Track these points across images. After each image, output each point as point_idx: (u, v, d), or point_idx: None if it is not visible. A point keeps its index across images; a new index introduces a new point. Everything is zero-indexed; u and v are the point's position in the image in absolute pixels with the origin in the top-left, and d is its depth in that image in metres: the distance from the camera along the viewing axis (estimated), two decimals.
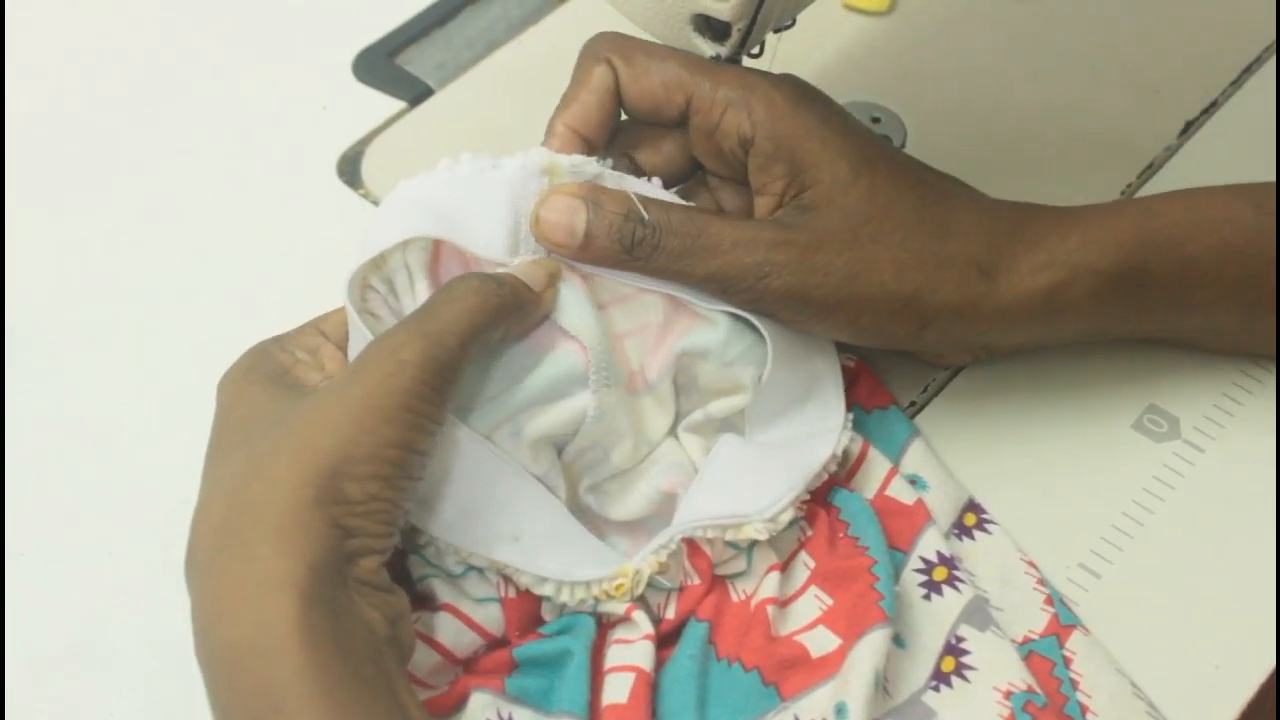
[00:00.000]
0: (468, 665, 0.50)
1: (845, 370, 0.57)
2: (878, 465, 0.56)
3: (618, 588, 0.50)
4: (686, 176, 0.57)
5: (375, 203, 0.68)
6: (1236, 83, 0.72)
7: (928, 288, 0.53)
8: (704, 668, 0.50)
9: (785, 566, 0.53)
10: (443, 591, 0.50)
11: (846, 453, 0.56)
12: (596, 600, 0.50)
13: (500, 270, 0.51)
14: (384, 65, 0.75)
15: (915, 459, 0.56)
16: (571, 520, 0.52)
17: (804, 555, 0.53)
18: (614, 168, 0.54)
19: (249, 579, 0.42)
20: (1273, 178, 0.67)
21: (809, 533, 0.53)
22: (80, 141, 0.72)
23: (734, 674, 0.50)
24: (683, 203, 0.54)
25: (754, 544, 0.52)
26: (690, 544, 0.51)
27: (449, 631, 0.50)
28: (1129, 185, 0.68)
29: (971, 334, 0.55)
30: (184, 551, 0.45)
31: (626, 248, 0.52)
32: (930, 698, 0.50)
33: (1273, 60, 0.73)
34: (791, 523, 0.53)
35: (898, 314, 0.53)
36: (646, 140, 0.56)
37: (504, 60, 0.75)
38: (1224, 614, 0.54)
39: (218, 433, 0.49)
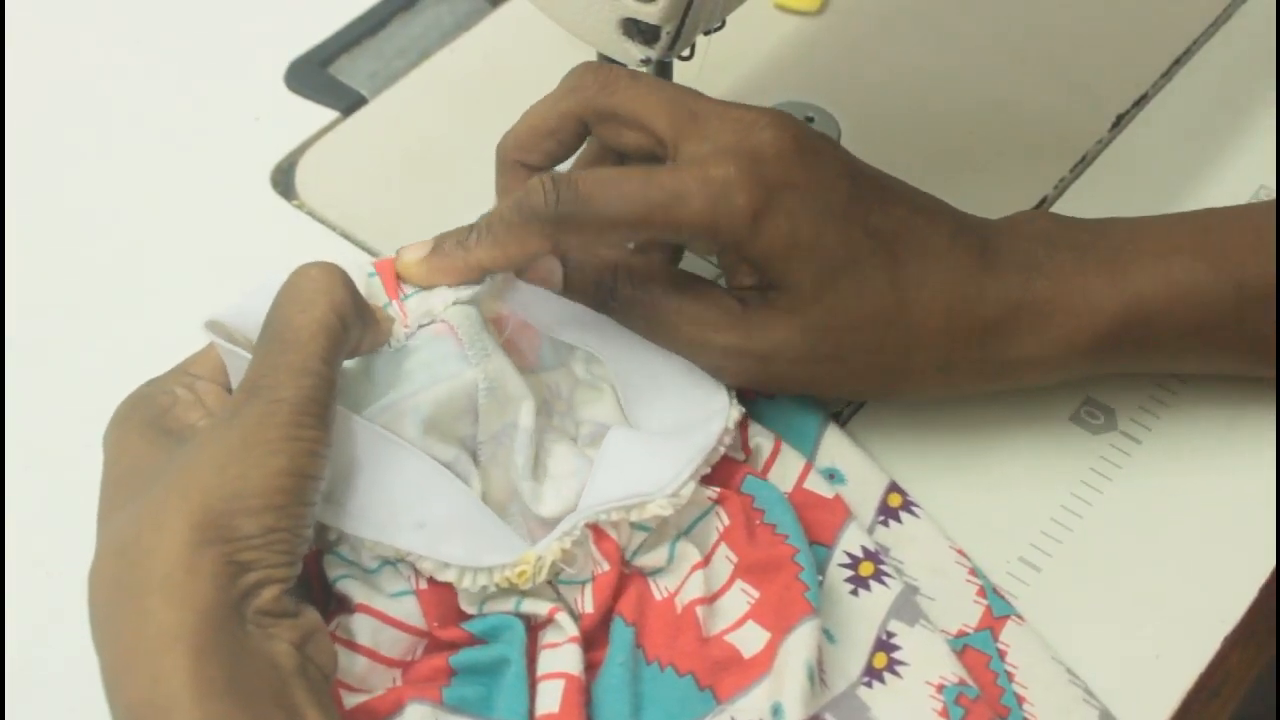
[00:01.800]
0: (404, 672, 0.50)
1: None
2: (791, 460, 0.55)
3: (520, 574, 0.50)
4: None
5: (310, 214, 0.68)
6: (1167, 75, 0.73)
7: (884, 390, 0.56)
8: (636, 673, 0.50)
9: (708, 562, 0.53)
10: (357, 592, 0.50)
11: (759, 449, 0.56)
12: (499, 587, 0.50)
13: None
14: (316, 75, 0.75)
15: (830, 450, 0.56)
16: (479, 505, 0.51)
17: (725, 549, 0.53)
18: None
19: (143, 635, 0.42)
20: (1198, 170, 0.68)
21: (726, 522, 0.53)
22: (7, 153, 0.71)
23: (668, 679, 0.50)
24: (668, 271, 0.55)
25: (676, 539, 0.53)
26: (596, 530, 0.51)
27: (366, 631, 0.49)
28: (1062, 179, 0.68)
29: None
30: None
31: (598, 307, 0.55)
32: (863, 693, 0.50)
33: (1200, 54, 0.74)
34: (707, 512, 0.53)
35: (851, 399, 0.58)
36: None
37: (437, 68, 0.75)
38: (1163, 603, 0.54)
39: (105, 487, 0.48)
